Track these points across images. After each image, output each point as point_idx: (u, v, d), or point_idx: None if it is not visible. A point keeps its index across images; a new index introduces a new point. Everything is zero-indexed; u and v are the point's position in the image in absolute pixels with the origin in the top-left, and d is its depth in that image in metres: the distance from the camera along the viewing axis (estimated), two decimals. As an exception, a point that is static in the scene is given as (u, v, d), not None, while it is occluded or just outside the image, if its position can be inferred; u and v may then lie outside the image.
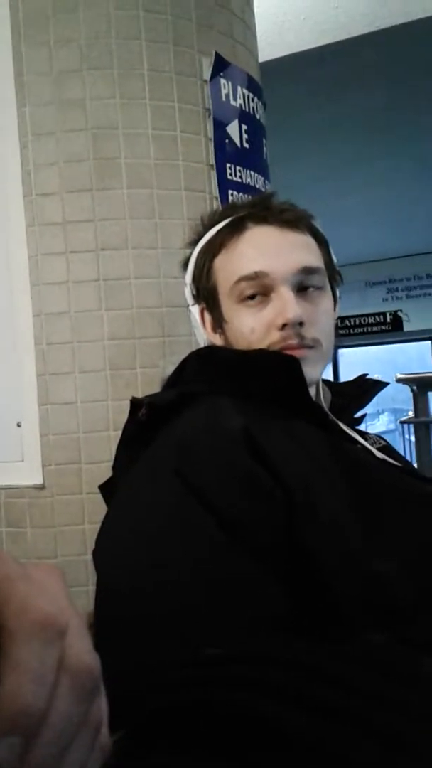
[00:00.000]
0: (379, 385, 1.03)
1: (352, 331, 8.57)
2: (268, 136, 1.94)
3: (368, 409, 1.03)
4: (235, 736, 0.38)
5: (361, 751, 0.37)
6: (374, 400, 1.03)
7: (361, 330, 8.61)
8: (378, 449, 0.94)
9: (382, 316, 8.58)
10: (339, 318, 0.99)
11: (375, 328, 8.62)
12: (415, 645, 0.59)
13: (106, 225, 1.57)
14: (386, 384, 1.05)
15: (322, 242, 0.95)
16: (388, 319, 8.57)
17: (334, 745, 0.37)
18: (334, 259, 0.98)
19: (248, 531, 0.66)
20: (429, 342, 8.80)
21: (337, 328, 0.96)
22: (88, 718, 0.29)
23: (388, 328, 8.59)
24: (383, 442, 1.00)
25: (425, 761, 0.37)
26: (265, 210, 0.93)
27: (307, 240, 0.92)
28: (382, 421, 10.31)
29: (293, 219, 0.91)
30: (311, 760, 0.36)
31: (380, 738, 0.38)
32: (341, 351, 9.07)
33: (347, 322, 8.50)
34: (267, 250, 0.88)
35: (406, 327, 8.50)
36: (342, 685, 0.41)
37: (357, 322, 8.58)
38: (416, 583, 0.66)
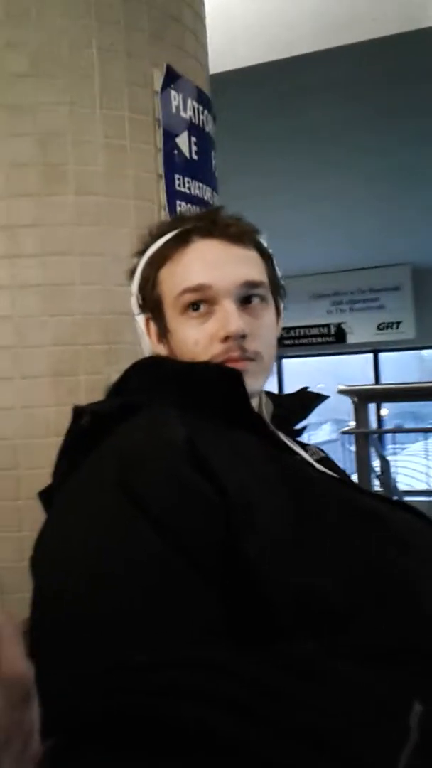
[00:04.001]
0: (319, 399, 1.06)
1: (297, 341, 8.67)
2: (218, 148, 1.96)
3: (311, 419, 1.05)
4: (160, 739, 0.39)
5: (279, 751, 0.39)
6: (317, 410, 1.05)
7: (305, 341, 8.72)
8: (317, 461, 0.96)
9: (326, 328, 8.72)
10: (284, 329, 1.01)
11: (319, 340, 8.74)
12: (346, 652, 0.61)
13: (52, 230, 1.57)
14: (326, 397, 1.07)
15: (266, 256, 0.97)
16: (332, 331, 8.71)
17: (255, 745, 0.38)
18: (279, 273, 1.00)
19: (187, 541, 0.67)
20: (371, 355, 8.97)
21: (282, 338, 0.98)
22: (21, 725, 0.29)
23: (332, 340, 8.73)
24: (322, 454, 1.02)
25: (336, 755, 0.40)
26: (211, 224, 0.94)
27: (251, 254, 0.94)
28: (324, 431, 10.44)
29: (238, 233, 0.93)
30: (232, 760, 0.38)
31: (298, 736, 0.40)
32: (285, 361, 9.16)
33: (292, 333, 8.60)
34: (211, 264, 0.90)
35: (349, 339, 8.66)
36: (263, 689, 0.43)
37: (302, 333, 8.68)
38: (350, 597, 0.68)
